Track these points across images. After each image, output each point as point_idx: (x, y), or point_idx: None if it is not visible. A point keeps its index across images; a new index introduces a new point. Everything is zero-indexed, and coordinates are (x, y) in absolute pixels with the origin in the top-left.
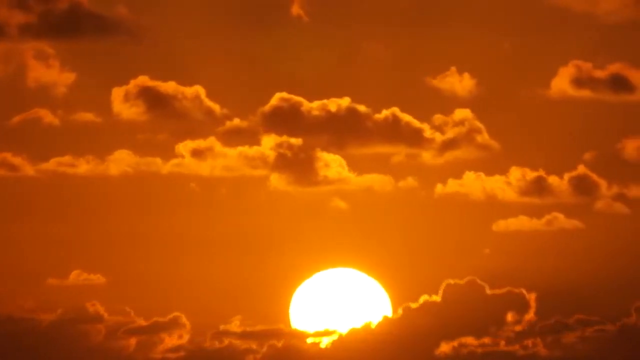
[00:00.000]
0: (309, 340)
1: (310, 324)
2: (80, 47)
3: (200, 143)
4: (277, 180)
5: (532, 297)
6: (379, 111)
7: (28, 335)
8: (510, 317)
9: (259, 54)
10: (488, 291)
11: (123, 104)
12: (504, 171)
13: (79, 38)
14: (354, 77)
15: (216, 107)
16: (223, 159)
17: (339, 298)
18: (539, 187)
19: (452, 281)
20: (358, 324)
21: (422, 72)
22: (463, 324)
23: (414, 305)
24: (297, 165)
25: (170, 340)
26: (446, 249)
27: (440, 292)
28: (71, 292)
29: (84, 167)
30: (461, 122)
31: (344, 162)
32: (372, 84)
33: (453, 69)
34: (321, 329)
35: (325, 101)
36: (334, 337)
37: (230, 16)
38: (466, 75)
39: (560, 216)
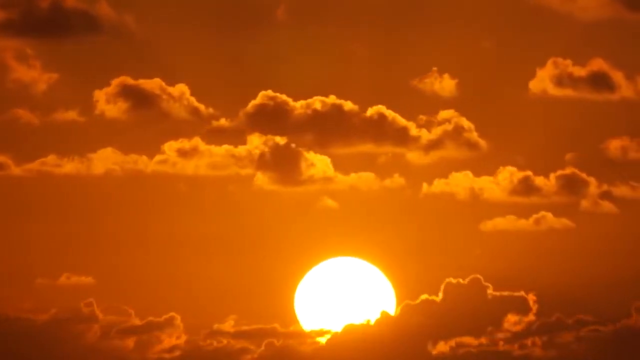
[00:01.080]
0: (305, 340)
1: (307, 322)
2: (63, 46)
3: (185, 142)
4: (262, 179)
5: (531, 298)
6: (365, 110)
7: (22, 335)
8: (509, 317)
9: (244, 53)
10: (490, 291)
11: (106, 103)
12: (491, 171)
13: (61, 37)
14: (338, 78)
15: (201, 107)
16: (209, 158)
17: (336, 294)
18: (526, 186)
19: (453, 280)
20: (357, 320)
21: (405, 74)
22: (460, 323)
23: (412, 303)
24: (283, 164)
25: (168, 340)
26: (440, 248)
27: (441, 291)
28: (62, 293)
29: (68, 166)
30: (447, 121)
31: (329, 161)
32: (356, 84)
33: (435, 69)
34: (316, 328)
35: (309, 100)
36: (329, 335)
37: (215, 16)
38: (449, 76)
39: (549, 215)
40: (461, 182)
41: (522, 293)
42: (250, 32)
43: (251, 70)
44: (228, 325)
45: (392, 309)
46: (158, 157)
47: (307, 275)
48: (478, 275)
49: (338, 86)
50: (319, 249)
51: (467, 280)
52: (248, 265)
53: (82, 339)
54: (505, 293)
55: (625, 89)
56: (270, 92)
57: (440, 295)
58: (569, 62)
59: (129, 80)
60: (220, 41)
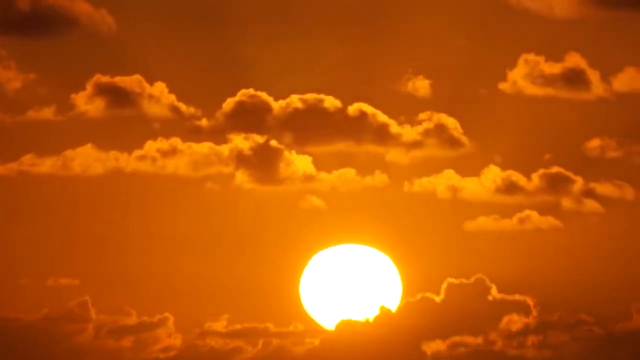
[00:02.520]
0: (300, 339)
1: (306, 321)
2: (39, 44)
3: (164, 141)
4: (243, 178)
5: (531, 301)
6: (346, 108)
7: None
8: (508, 319)
9: (223, 51)
10: (493, 293)
11: (84, 101)
12: (474, 171)
13: (37, 34)
14: (318, 76)
15: (181, 105)
16: (189, 157)
17: (336, 289)
18: (510, 185)
19: (456, 281)
20: (356, 316)
21: (383, 75)
22: (456, 323)
23: (412, 300)
24: (264, 163)
25: (167, 340)
26: (437, 248)
27: (442, 291)
28: (52, 293)
29: (47, 167)
30: (428, 122)
31: (309, 160)
32: (336, 83)
33: (410, 70)
34: (314, 326)
35: (288, 100)
36: (323, 334)
37: (194, 13)
38: (429, 76)
39: (534, 214)
40: (446, 181)
41: (522, 296)
42: (230, 30)
43: (231, 69)
44: (220, 325)
45: (393, 304)
46: (137, 153)
47: (303, 272)
48: (482, 276)
49: (317, 84)
50: (312, 246)
51: (472, 279)
52: (240, 264)
53: (74, 339)
54: (508, 297)
55: (603, 89)
56: (250, 91)
57: (442, 295)
58: (543, 58)
59: (107, 78)
60: (200, 39)
